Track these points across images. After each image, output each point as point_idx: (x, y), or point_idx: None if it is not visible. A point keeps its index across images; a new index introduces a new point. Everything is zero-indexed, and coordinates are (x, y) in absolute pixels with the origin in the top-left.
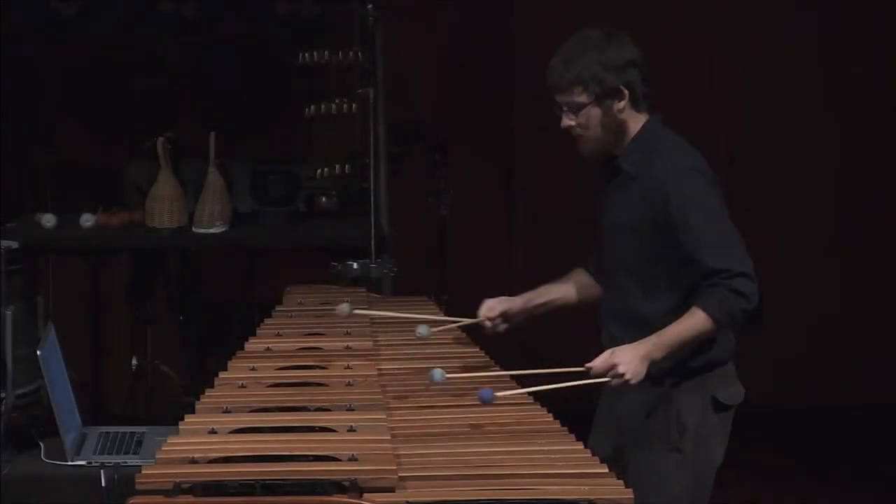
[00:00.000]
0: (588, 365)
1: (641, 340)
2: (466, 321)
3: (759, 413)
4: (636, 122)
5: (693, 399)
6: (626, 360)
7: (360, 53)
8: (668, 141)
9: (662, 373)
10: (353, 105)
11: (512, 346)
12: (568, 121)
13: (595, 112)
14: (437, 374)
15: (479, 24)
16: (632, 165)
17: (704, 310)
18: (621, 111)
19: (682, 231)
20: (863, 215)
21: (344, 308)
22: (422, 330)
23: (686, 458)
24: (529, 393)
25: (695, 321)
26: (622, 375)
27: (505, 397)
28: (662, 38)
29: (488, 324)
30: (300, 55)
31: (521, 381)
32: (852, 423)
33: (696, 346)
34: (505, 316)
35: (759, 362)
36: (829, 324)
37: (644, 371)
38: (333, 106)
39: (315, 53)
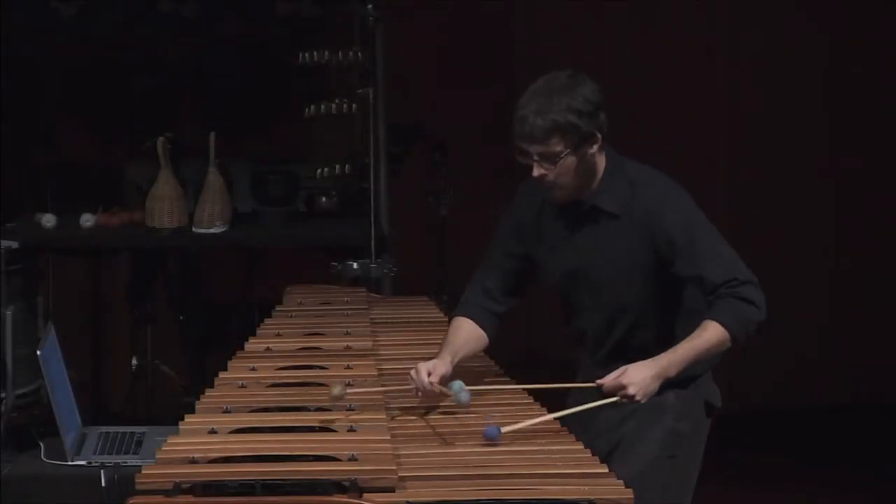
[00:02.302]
0: (599, 382)
1: (655, 358)
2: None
3: (759, 414)
4: (602, 160)
5: (689, 405)
6: (637, 381)
7: (360, 53)
8: (638, 170)
9: (664, 387)
10: (353, 105)
11: (522, 353)
12: (541, 170)
13: (571, 160)
14: (461, 393)
15: (479, 25)
16: (612, 204)
17: (718, 320)
18: (593, 155)
19: (686, 250)
20: (862, 216)
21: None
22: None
23: (679, 462)
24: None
25: (709, 334)
26: (632, 397)
27: (511, 432)
28: (662, 38)
29: (436, 390)
30: (300, 55)
31: (534, 395)
32: (852, 423)
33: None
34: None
35: (759, 363)
36: (829, 324)
37: (655, 390)
38: (333, 106)
39: (315, 53)
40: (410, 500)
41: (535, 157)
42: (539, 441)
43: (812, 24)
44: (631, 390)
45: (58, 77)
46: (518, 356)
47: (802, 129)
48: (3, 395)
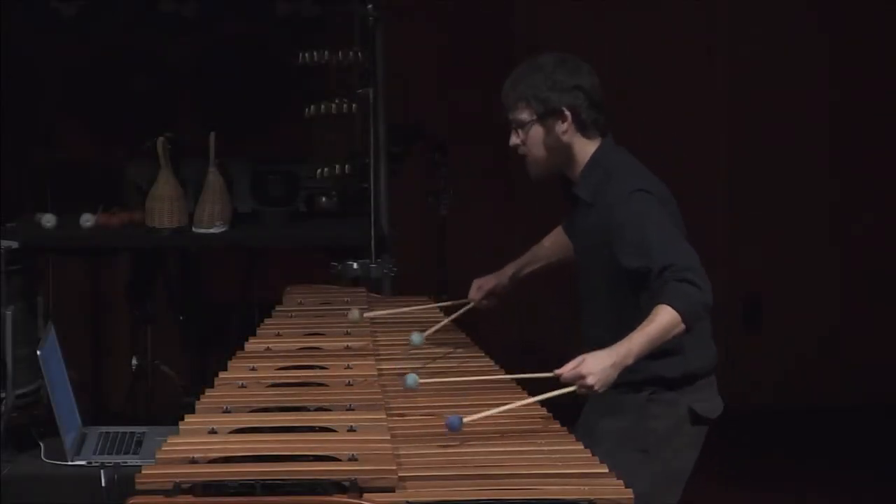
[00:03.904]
0: (557, 371)
1: (612, 347)
2: (456, 313)
3: (759, 414)
4: (585, 147)
5: (668, 409)
6: (596, 371)
7: (360, 53)
8: (621, 165)
9: (642, 383)
10: (353, 105)
11: (516, 345)
12: (514, 138)
13: (538, 130)
14: (411, 379)
15: (479, 25)
16: (587, 192)
17: (669, 304)
18: (565, 132)
19: (630, 245)
20: (863, 216)
21: (354, 314)
22: (415, 339)
23: (652, 460)
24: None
25: (661, 318)
26: (591, 387)
27: (474, 421)
28: (662, 38)
29: (483, 304)
30: (300, 55)
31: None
32: (852, 423)
33: (672, 359)
34: (493, 293)
35: (759, 363)
36: (830, 324)
37: (613, 379)
38: (333, 106)
39: (315, 53)
40: (410, 500)
41: (513, 125)
42: (539, 441)
43: (812, 24)
44: (590, 380)
45: (58, 77)
46: (512, 350)
47: (802, 129)
48: (3, 395)
